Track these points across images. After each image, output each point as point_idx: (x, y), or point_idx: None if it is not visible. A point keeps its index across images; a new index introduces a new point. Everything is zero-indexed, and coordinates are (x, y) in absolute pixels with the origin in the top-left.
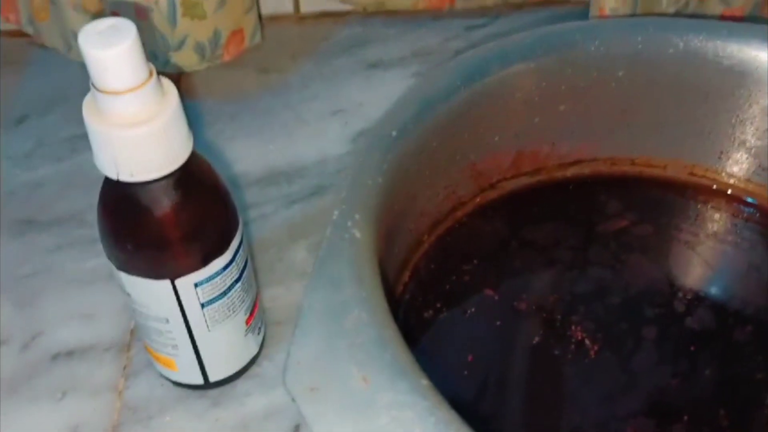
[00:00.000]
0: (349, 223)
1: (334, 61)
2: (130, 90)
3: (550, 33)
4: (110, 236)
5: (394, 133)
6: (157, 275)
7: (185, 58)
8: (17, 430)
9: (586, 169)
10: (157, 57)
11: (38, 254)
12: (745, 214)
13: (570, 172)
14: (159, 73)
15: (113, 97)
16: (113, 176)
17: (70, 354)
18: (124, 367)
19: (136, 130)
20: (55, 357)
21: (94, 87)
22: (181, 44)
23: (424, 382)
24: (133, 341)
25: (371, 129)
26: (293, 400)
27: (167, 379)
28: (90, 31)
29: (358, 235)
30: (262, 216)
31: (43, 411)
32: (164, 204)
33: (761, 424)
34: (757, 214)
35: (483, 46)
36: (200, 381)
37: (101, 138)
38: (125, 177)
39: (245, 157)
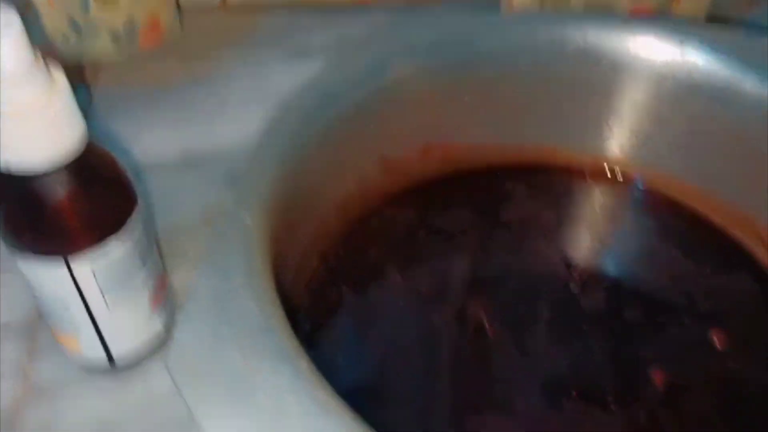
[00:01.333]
0: (243, 212)
1: (259, 50)
2: (13, 77)
3: (455, 27)
4: (3, 220)
5: (295, 124)
6: (51, 258)
7: (99, 48)
8: None
9: (494, 159)
10: (70, 45)
11: None
12: (638, 198)
13: (479, 161)
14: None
15: None
16: (2, 165)
17: None
18: (30, 349)
19: (22, 118)
20: None
21: None
22: (94, 32)
23: (304, 364)
24: (40, 322)
25: (271, 120)
26: (175, 385)
27: (73, 359)
28: None
29: (249, 222)
30: (179, 201)
31: None
32: (57, 189)
33: (645, 398)
34: (649, 198)
35: (387, 39)
36: (105, 361)
37: None
38: (14, 165)
39: (164, 144)
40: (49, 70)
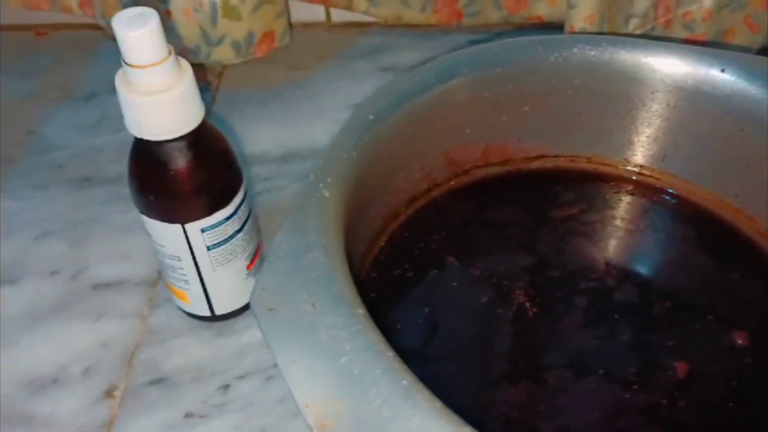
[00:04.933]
0: (321, 185)
1: (354, 63)
2: (152, 65)
3: (516, 44)
4: (134, 185)
5: (371, 117)
6: (170, 220)
7: (223, 53)
8: (60, 342)
9: (548, 164)
10: (200, 51)
11: (92, 205)
12: (673, 207)
13: (534, 165)
14: (198, 64)
15: (138, 71)
16: (137, 135)
17: (108, 286)
18: (150, 299)
19: (155, 98)
20: (96, 287)
21: (124, 62)
22: (220, 41)
23: (361, 311)
24: (159, 279)
25: (351, 114)
26: (255, 317)
27: (182, 310)
28: (122, 17)
29: (327, 194)
30: (277, 187)
31: (81, 329)
32: (178, 161)
33: (664, 382)
34: (683, 207)
35: (456, 52)
36: (207, 313)
37: (128, 103)
38: (147, 136)
39: (269, 138)
40: (178, 61)
